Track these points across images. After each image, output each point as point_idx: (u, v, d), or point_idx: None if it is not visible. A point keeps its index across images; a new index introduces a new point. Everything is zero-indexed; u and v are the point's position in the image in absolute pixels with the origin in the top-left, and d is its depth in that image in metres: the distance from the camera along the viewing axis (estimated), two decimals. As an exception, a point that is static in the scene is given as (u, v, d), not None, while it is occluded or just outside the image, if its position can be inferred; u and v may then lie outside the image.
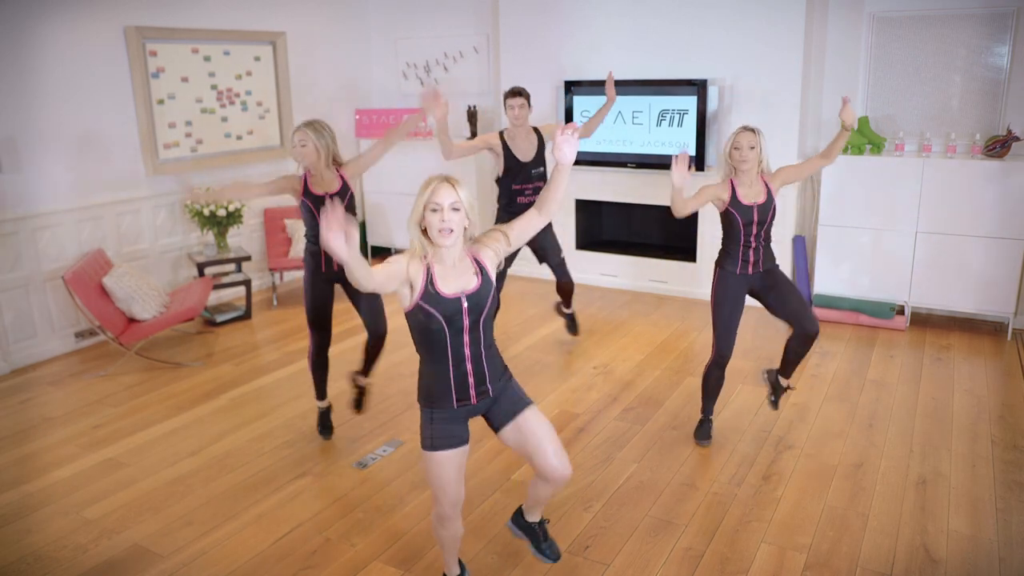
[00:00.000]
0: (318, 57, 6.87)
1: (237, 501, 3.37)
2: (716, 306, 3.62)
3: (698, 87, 5.63)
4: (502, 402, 2.47)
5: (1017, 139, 4.97)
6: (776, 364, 3.99)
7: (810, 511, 3.21)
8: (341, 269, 3.60)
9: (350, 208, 3.66)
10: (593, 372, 4.69)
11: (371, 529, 3.14)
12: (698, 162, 5.77)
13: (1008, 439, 3.78)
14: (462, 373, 2.37)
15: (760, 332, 5.26)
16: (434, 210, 2.24)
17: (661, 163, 5.93)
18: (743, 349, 4.99)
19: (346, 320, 5.41)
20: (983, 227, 5.05)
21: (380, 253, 7.64)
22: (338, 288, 3.70)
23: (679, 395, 4.36)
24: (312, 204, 3.60)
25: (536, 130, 4.56)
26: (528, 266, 6.05)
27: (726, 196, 3.51)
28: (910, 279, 5.34)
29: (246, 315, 5.83)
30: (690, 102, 5.71)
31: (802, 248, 5.81)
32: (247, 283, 5.80)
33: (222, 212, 5.63)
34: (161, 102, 5.63)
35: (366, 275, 2.17)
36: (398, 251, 7.60)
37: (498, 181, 4.60)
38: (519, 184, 4.51)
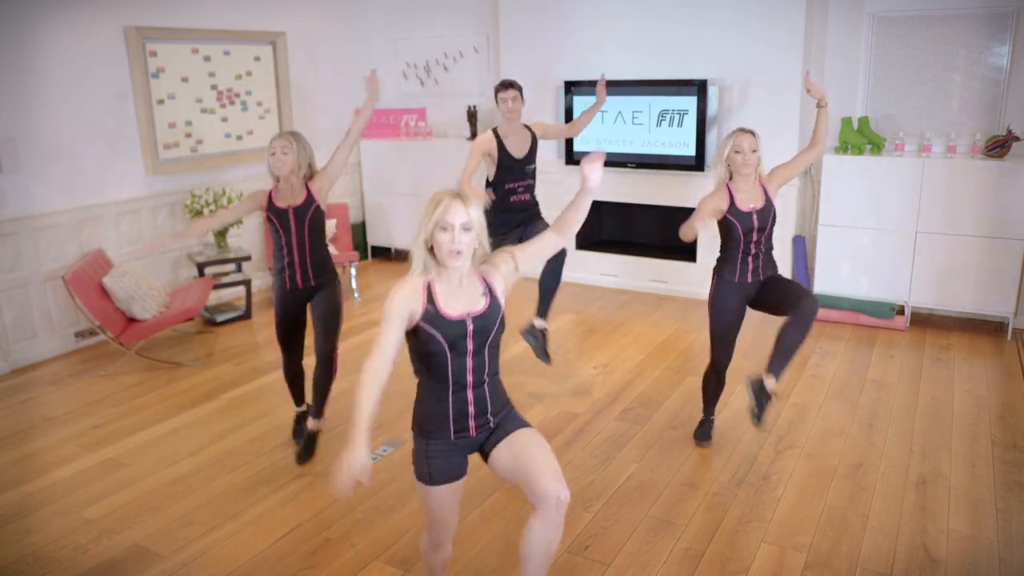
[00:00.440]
0: (318, 57, 6.87)
1: (237, 501, 3.37)
2: (714, 315, 3.52)
3: (698, 87, 5.63)
4: (497, 429, 2.29)
5: (1017, 139, 4.97)
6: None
7: (810, 511, 3.21)
8: (310, 287, 3.54)
9: (315, 222, 3.49)
10: (593, 372, 4.69)
11: (371, 529, 3.14)
12: (698, 162, 5.77)
13: (1008, 439, 3.78)
14: (462, 401, 2.20)
15: (760, 332, 5.25)
16: (444, 229, 2.09)
17: (661, 163, 5.93)
18: (743, 349, 4.97)
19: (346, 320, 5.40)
20: (983, 227, 5.05)
21: (380, 254, 7.64)
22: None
23: (679, 395, 4.36)
24: (276, 218, 3.47)
25: (528, 127, 4.45)
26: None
27: (724, 205, 3.36)
28: (910, 279, 5.34)
29: (246, 315, 5.83)
30: (690, 102, 5.71)
31: (802, 248, 5.81)
32: (247, 283, 5.80)
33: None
34: (161, 102, 5.63)
35: (375, 383, 2.07)
36: (398, 251, 7.61)
37: (489, 184, 4.43)
38: (512, 183, 4.36)
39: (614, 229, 6.79)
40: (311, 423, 3.69)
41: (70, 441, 3.96)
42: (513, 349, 5.04)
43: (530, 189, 4.42)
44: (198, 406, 4.34)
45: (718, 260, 3.51)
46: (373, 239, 7.57)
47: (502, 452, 2.25)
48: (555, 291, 4.35)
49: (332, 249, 6.29)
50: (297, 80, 6.65)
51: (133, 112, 5.48)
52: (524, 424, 2.31)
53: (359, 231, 7.43)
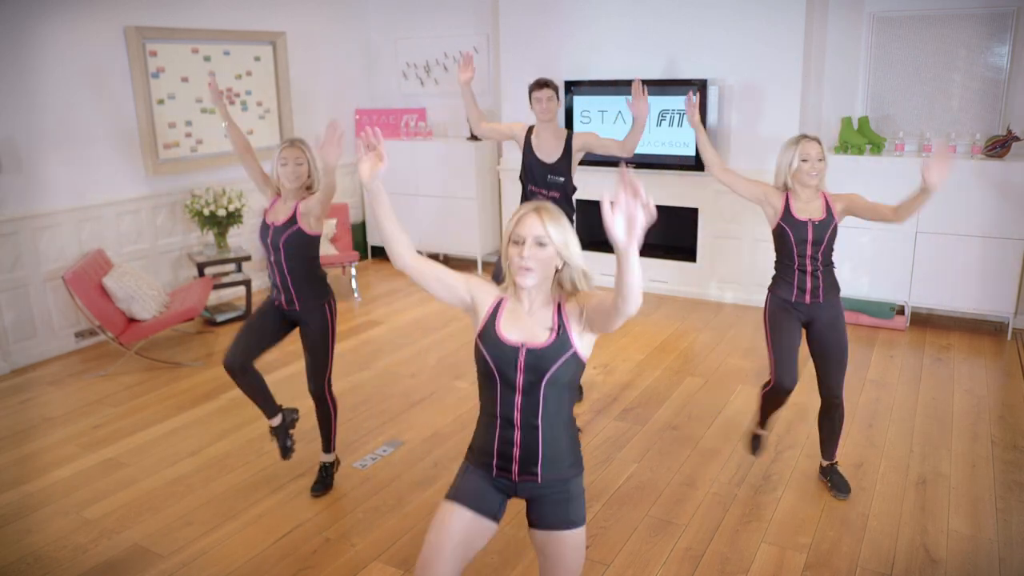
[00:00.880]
0: (318, 57, 6.87)
1: (237, 501, 3.37)
2: (770, 333, 3.21)
3: (698, 87, 5.63)
4: (548, 503, 2.00)
5: (1017, 139, 4.97)
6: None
7: (810, 511, 3.21)
8: (294, 311, 3.24)
9: (293, 246, 3.16)
10: (593, 372, 4.69)
11: (371, 529, 3.14)
12: (698, 162, 5.77)
13: (1008, 439, 3.78)
14: (507, 441, 1.97)
15: (761, 331, 5.25)
16: (516, 243, 1.91)
17: (661, 163, 5.93)
18: (743, 348, 5.00)
19: (344, 321, 5.41)
20: (983, 227, 5.05)
21: (380, 254, 7.64)
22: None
23: (679, 395, 4.36)
24: (260, 230, 3.24)
25: (569, 137, 4.03)
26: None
27: (779, 204, 3.09)
28: (910, 279, 5.34)
29: (246, 315, 5.83)
30: (690, 102, 5.70)
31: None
32: (247, 283, 5.80)
33: (222, 212, 5.64)
34: (161, 102, 5.63)
35: (395, 236, 1.94)
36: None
37: (520, 179, 4.19)
38: (533, 185, 4.06)
39: (614, 229, 6.77)
40: (323, 456, 3.47)
41: (70, 441, 3.96)
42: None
43: (555, 202, 3.94)
44: (198, 406, 4.34)
45: (772, 277, 3.24)
46: (373, 239, 7.57)
47: (539, 538, 2.01)
48: None
49: (332, 249, 6.31)
50: (297, 80, 6.65)
51: (133, 112, 5.48)
52: (574, 521, 1.99)
53: (359, 231, 7.43)
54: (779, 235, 3.12)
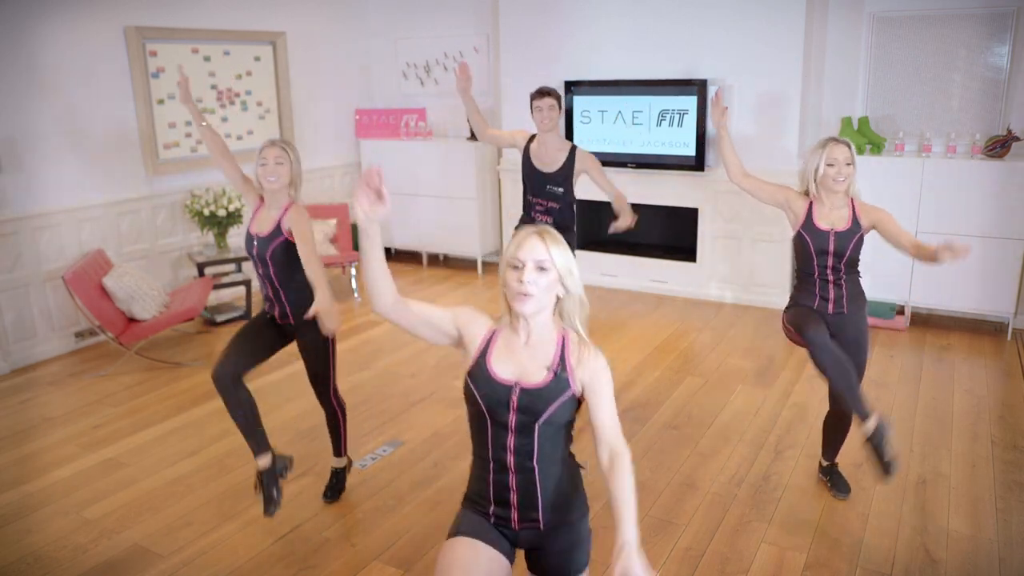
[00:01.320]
0: (318, 57, 6.87)
1: (237, 501, 3.36)
2: (794, 319, 3.00)
3: (698, 87, 5.63)
4: (552, 552, 1.88)
5: (1017, 139, 4.97)
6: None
7: (810, 511, 3.21)
8: (289, 324, 3.10)
9: (281, 259, 3.00)
10: (593, 372, 4.68)
11: (371, 529, 3.14)
12: (698, 162, 5.77)
13: (1008, 439, 3.78)
14: (503, 484, 1.83)
15: (761, 331, 5.26)
16: (514, 267, 1.77)
17: (661, 163, 5.93)
18: (743, 348, 4.99)
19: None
20: (983, 227, 5.04)
21: (380, 253, 7.63)
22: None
23: (679, 395, 4.35)
24: (245, 241, 3.08)
25: (574, 152, 3.94)
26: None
27: (800, 211, 2.96)
28: (910, 279, 5.34)
29: (246, 315, 5.82)
30: (690, 102, 5.71)
31: (802, 248, 5.80)
32: (247, 283, 5.79)
33: (222, 212, 5.64)
34: (161, 102, 5.63)
35: (382, 280, 1.76)
36: (398, 251, 7.60)
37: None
38: (532, 195, 4.00)
39: (614, 229, 6.78)
40: (334, 461, 3.36)
41: (70, 441, 3.95)
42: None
43: (552, 213, 3.96)
44: (198, 406, 4.34)
45: (793, 286, 3.14)
46: (373, 239, 7.55)
47: None
48: None
49: (332, 249, 6.30)
50: (297, 80, 6.65)
51: (133, 112, 5.48)
52: (577, 570, 1.91)
53: (359, 231, 7.42)
54: (798, 243, 3.00)
